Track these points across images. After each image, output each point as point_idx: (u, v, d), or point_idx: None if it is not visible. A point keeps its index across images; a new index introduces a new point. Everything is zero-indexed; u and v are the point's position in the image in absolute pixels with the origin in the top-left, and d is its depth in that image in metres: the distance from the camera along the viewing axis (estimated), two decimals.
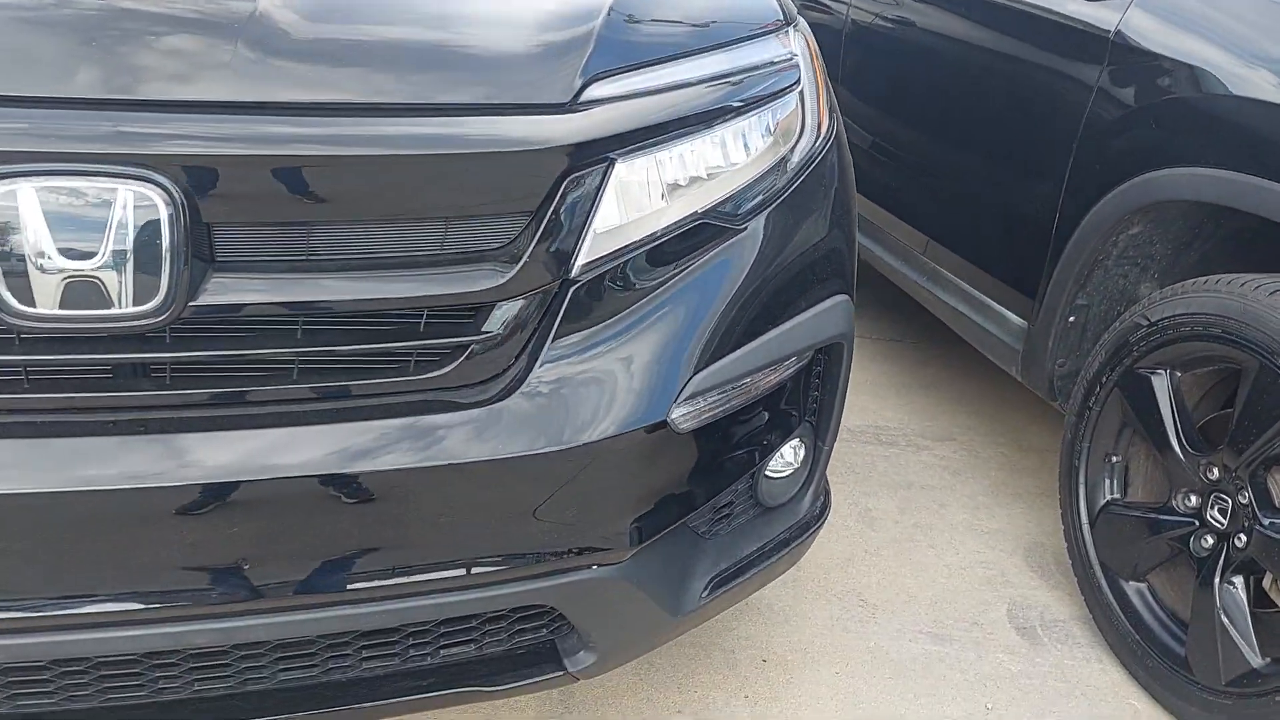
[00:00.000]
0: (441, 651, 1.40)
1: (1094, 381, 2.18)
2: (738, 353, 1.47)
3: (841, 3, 3.33)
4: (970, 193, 2.68)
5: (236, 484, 1.18)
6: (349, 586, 1.27)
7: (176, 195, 1.12)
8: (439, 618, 1.35)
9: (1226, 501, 1.92)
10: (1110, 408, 2.16)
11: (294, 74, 1.21)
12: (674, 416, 1.39)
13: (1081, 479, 2.24)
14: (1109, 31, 2.19)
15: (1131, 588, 2.15)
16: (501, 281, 1.28)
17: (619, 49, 1.39)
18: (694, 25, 1.53)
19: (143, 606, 1.20)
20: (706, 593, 1.57)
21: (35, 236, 1.09)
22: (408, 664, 1.39)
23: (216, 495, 1.18)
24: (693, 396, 1.41)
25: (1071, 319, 2.31)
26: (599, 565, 1.39)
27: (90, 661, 1.25)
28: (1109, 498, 2.20)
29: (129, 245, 1.12)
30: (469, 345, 1.30)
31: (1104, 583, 2.19)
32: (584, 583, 1.39)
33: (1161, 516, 2.06)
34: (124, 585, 1.20)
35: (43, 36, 1.14)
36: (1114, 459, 2.19)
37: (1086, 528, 2.23)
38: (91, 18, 1.18)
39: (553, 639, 1.47)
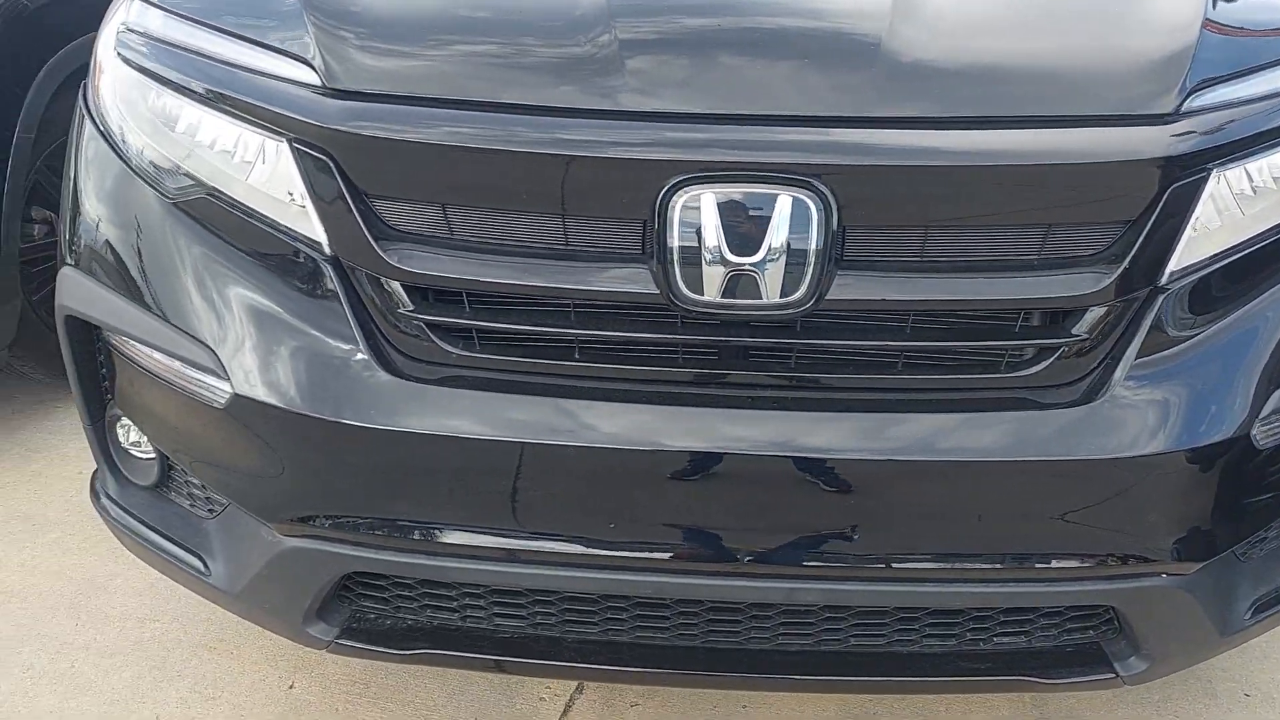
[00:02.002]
0: (995, 640, 1.46)
1: None
2: None
3: None
4: None
5: (852, 461, 1.31)
6: (929, 565, 1.36)
7: (827, 201, 1.26)
8: (1003, 606, 1.41)
9: None
10: None
11: (920, 90, 1.31)
12: (1255, 432, 1.36)
13: None
14: None
15: None
16: (1096, 287, 1.32)
17: (1214, 59, 1.39)
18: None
19: (756, 561, 1.36)
20: (1250, 615, 1.52)
21: (711, 235, 1.27)
22: (964, 646, 1.46)
23: (833, 469, 1.31)
24: (1273, 414, 1.38)
25: None
26: (1169, 574, 1.39)
27: (703, 605, 1.42)
28: None
29: (783, 245, 1.27)
30: (1059, 347, 1.35)
31: None
32: (1151, 590, 1.40)
33: None
34: (742, 542, 1.36)
35: (719, 62, 1.33)
36: None
37: None
38: (747, 45, 1.35)
39: (1097, 641, 1.48)
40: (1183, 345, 1.37)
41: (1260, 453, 1.38)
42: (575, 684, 2.00)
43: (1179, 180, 1.32)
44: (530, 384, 1.35)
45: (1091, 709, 1.96)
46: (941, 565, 1.37)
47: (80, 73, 2.72)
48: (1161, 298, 1.36)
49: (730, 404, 1.33)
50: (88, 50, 2.76)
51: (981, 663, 1.45)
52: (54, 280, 2.87)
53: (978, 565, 1.37)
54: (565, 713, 1.94)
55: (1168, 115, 1.33)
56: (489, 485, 1.35)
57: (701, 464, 1.31)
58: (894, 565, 1.36)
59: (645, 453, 1.31)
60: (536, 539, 1.37)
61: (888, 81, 1.31)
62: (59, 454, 2.70)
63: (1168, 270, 1.35)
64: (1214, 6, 1.45)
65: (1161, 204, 1.32)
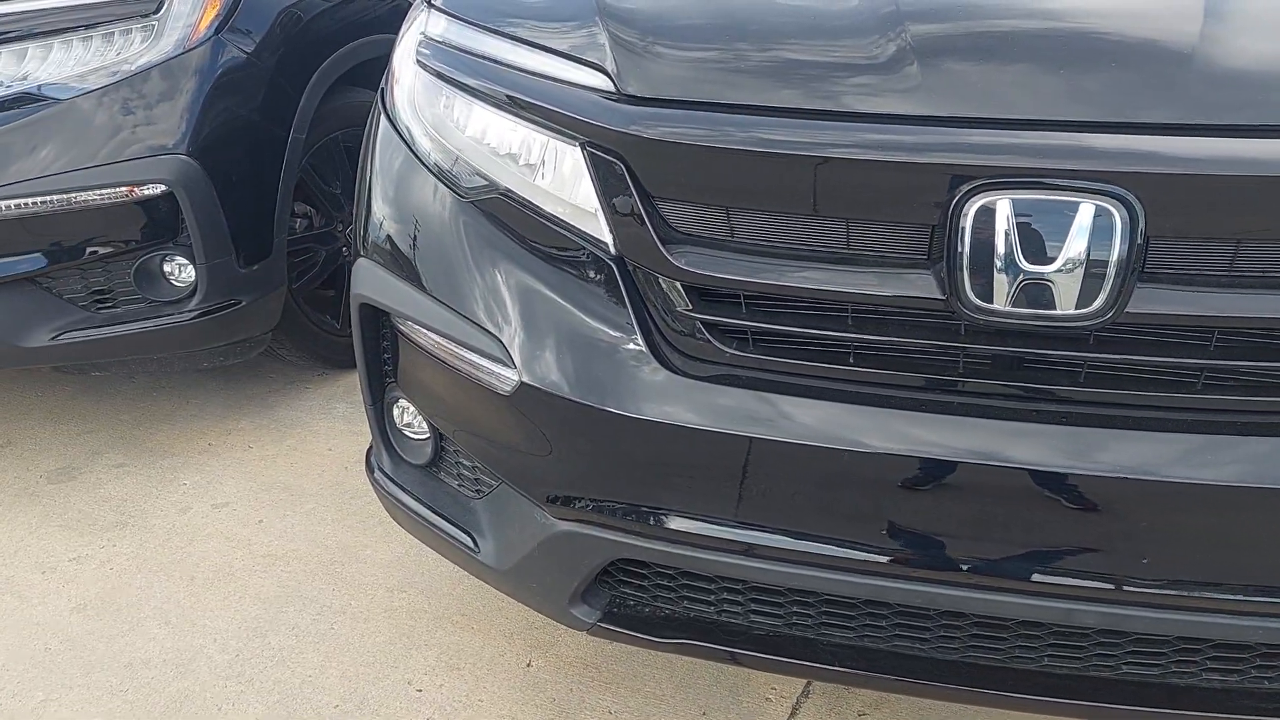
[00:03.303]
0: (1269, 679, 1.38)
1: None
2: None
3: None
4: None
5: (1145, 482, 1.26)
6: (1230, 596, 1.29)
7: (1132, 210, 1.21)
8: None
9: None
10: None
11: (1234, 96, 1.25)
12: None
13: None
14: None
15: None
16: None
17: None
18: None
19: (1041, 583, 1.32)
20: None
21: (1004, 242, 1.25)
22: (1246, 683, 1.38)
23: (1126, 490, 1.27)
24: None
25: None
26: None
27: (968, 618, 1.40)
28: None
29: (1082, 254, 1.23)
30: None
31: None
32: None
33: None
34: (1031, 562, 1.32)
35: (1017, 65, 1.31)
36: None
37: None
38: (1044, 48, 1.32)
39: None
40: None
41: None
42: (802, 687, 2.01)
43: None
44: (803, 386, 1.37)
45: None
46: (1233, 597, 1.29)
47: (347, 77, 2.95)
48: None
49: (1010, 416, 1.31)
50: (353, 55, 2.99)
51: (1267, 702, 1.37)
52: (311, 270, 3.12)
53: (1272, 599, 1.29)
54: (792, 715, 1.95)
55: None
56: (752, 483, 1.38)
57: (973, 476, 1.29)
58: (1180, 594, 1.30)
59: (915, 459, 1.30)
60: (794, 539, 1.38)
61: (1199, 86, 1.25)
62: (311, 430, 2.92)
63: None
64: None
65: None
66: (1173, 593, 1.30)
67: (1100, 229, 1.23)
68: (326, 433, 2.90)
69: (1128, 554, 1.29)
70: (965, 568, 1.33)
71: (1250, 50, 1.28)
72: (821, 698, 1.98)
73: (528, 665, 2.07)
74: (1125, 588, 1.30)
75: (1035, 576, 1.31)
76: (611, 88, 1.41)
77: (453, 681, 2.05)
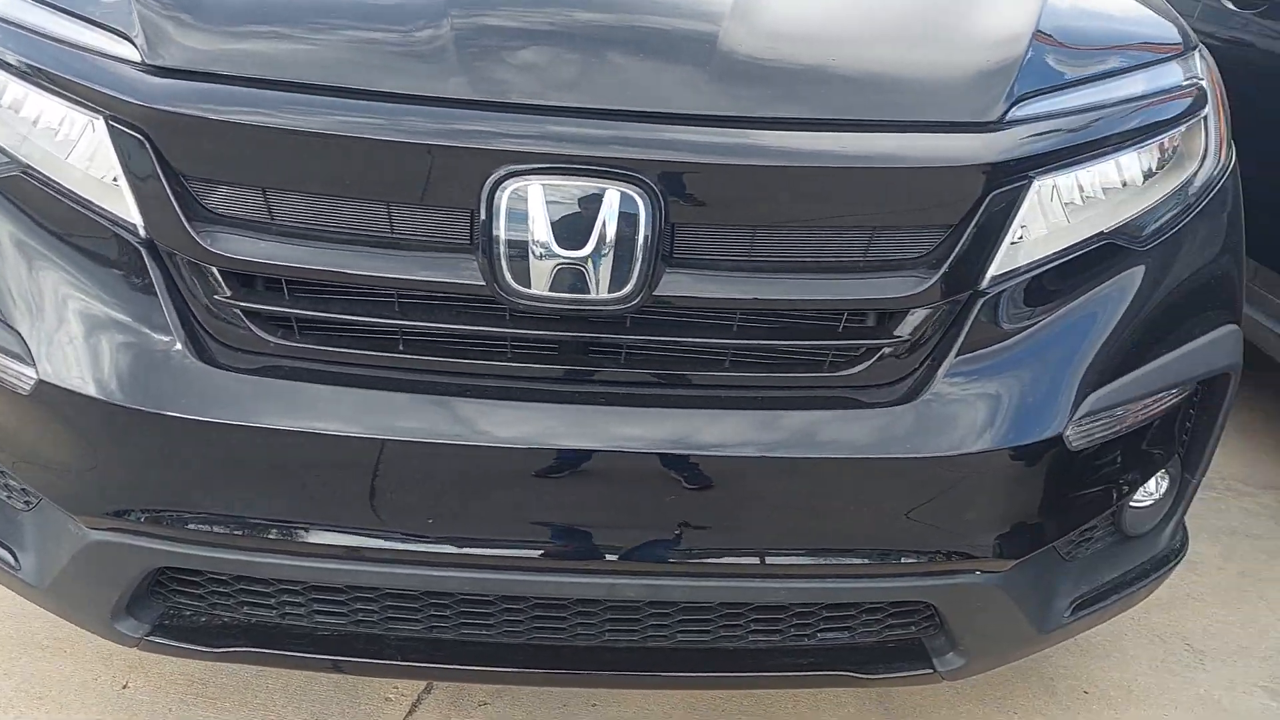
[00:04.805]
0: (819, 635, 1.48)
1: None
2: (1131, 375, 1.47)
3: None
4: None
5: (675, 456, 1.31)
6: (753, 560, 1.37)
7: (655, 197, 1.26)
8: (826, 602, 1.43)
9: None
10: None
11: (751, 91, 1.32)
12: (1068, 434, 1.41)
13: None
14: None
15: None
16: (919, 289, 1.35)
17: (1040, 72, 1.43)
18: (1106, 50, 1.55)
19: (583, 558, 1.35)
20: (1069, 613, 1.58)
21: (538, 228, 1.25)
22: (789, 642, 1.47)
23: (658, 465, 1.31)
24: (1086, 416, 1.43)
25: None
26: (982, 571, 1.43)
27: (528, 601, 1.41)
28: None
29: (611, 239, 1.26)
30: (881, 348, 1.37)
31: None
32: (967, 587, 1.43)
33: None
34: (570, 539, 1.35)
35: (551, 55, 1.32)
36: None
37: None
38: (579, 39, 1.35)
39: (919, 638, 1.52)
40: (1002, 349, 1.40)
41: (1073, 454, 1.43)
42: (424, 684, 1.97)
43: (1001, 188, 1.36)
44: (352, 375, 1.32)
45: (934, 705, 2.00)
46: (763, 561, 1.38)
47: None
48: (982, 301, 1.39)
49: (556, 399, 1.32)
50: None
51: (805, 658, 1.47)
52: None
53: (798, 561, 1.38)
54: (411, 712, 1.91)
55: (992, 124, 1.36)
56: (301, 479, 1.32)
57: (523, 459, 1.30)
58: (716, 561, 1.37)
59: (466, 447, 1.29)
60: (349, 534, 1.34)
61: (719, 81, 1.31)
62: None
63: (989, 275, 1.39)
64: (1046, 19, 1.50)
65: (983, 210, 1.35)
66: (707, 561, 1.36)
67: (627, 215, 1.26)
68: None
69: (664, 527, 1.34)
70: (492, 549, 1.33)
71: (767, 48, 1.36)
72: (443, 692, 1.95)
73: (124, 687, 1.91)
74: (663, 560, 1.35)
75: (569, 555, 1.34)
76: (137, 57, 1.30)
77: (34, 712, 1.85)
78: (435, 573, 1.35)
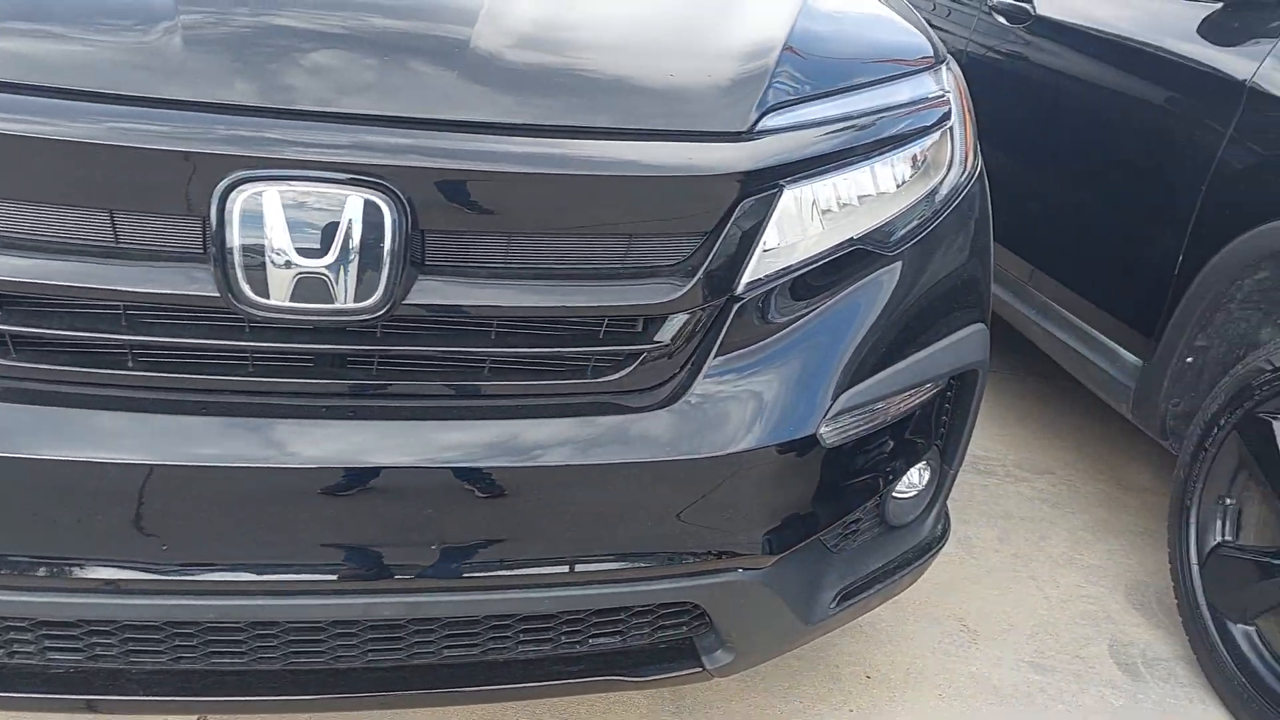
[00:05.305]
0: (590, 641, 1.49)
1: (1211, 423, 2.19)
2: (882, 374, 1.53)
3: (958, 36, 3.38)
4: (1088, 228, 2.71)
5: (433, 469, 1.28)
6: (520, 573, 1.36)
7: (400, 203, 1.22)
8: (594, 608, 1.43)
9: None
10: (1227, 450, 2.17)
11: (507, 97, 1.31)
12: (823, 431, 1.46)
13: (1193, 520, 2.25)
14: (1244, 80, 2.22)
15: (1239, 630, 2.16)
16: (675, 295, 1.37)
17: (791, 83, 1.47)
18: (857, 62, 1.61)
19: (336, 578, 1.31)
20: (835, 604, 1.63)
21: (275, 235, 1.20)
22: (560, 650, 1.47)
23: (417, 480, 1.28)
24: (839, 414, 1.48)
25: (1190, 359, 2.33)
26: (745, 569, 1.46)
27: (280, 625, 1.35)
28: (1220, 540, 2.21)
29: (355, 247, 1.22)
30: (641, 353, 1.39)
31: (1211, 624, 2.20)
32: (730, 584, 1.46)
33: (1274, 561, 2.07)
34: (322, 558, 1.30)
35: (289, 56, 1.26)
36: (1228, 501, 2.20)
37: (1195, 568, 2.24)
38: (328, 42, 1.30)
39: (691, 637, 1.54)
40: (758, 352, 1.44)
41: (829, 451, 1.48)
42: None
43: (752, 196, 1.39)
44: (75, 395, 1.24)
45: (724, 699, 2.05)
46: (527, 572, 1.37)
47: None
48: (738, 307, 1.42)
49: (302, 415, 1.27)
50: None
51: (575, 665, 1.47)
52: None
53: (562, 570, 1.38)
54: None
55: (742, 134, 1.39)
56: (15, 509, 1.23)
57: (263, 480, 1.24)
58: (478, 575, 1.35)
59: (199, 468, 1.23)
60: (82, 565, 1.25)
61: (468, 85, 1.29)
62: None
63: (743, 281, 1.42)
64: (798, 31, 1.54)
65: (735, 218, 1.38)
66: (467, 576, 1.34)
67: (371, 223, 1.22)
68: None
69: (424, 542, 1.31)
70: (225, 573, 1.28)
71: (519, 55, 1.35)
72: None
73: None
74: (422, 577, 1.33)
75: (318, 576, 1.29)
76: None
77: None
78: (172, 602, 1.28)
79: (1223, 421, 2.16)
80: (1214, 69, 2.30)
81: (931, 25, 3.72)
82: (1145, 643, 2.36)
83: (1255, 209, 2.15)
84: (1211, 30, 2.34)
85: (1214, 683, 2.20)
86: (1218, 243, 2.21)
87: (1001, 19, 3.16)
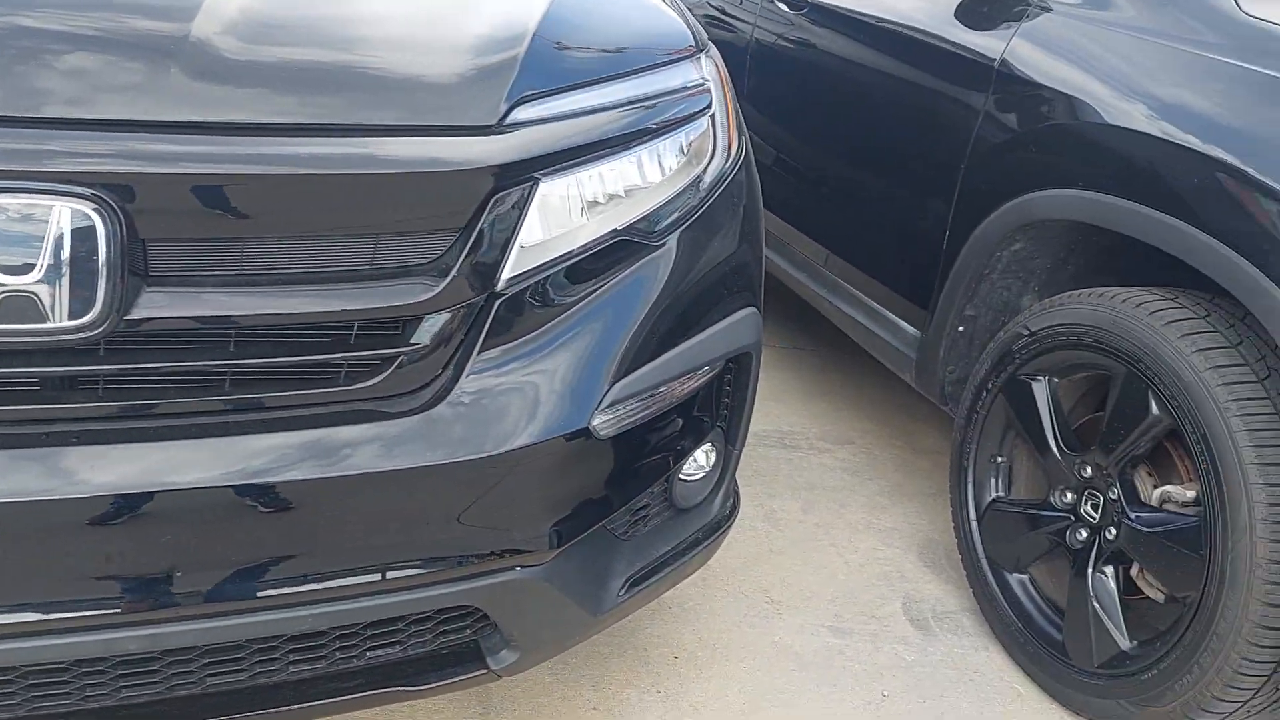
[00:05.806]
0: (368, 654, 1.44)
1: (980, 387, 2.33)
2: (655, 362, 1.55)
3: (745, 23, 3.45)
4: (866, 209, 2.83)
5: (171, 493, 1.21)
6: (281, 591, 1.30)
7: (113, 212, 1.14)
8: (367, 620, 1.39)
9: (1098, 497, 2.09)
10: (995, 412, 2.31)
11: (228, 95, 1.24)
12: (595, 424, 1.46)
13: (970, 479, 2.39)
14: (994, 60, 2.35)
15: (1015, 579, 2.31)
16: (429, 295, 1.33)
17: (543, 73, 1.46)
18: (613, 52, 1.61)
19: (71, 614, 1.22)
20: (624, 591, 1.64)
21: None
22: (335, 667, 1.42)
23: (148, 505, 1.20)
24: (613, 404, 1.48)
25: (961, 329, 2.46)
26: (522, 567, 1.45)
27: (16, 670, 1.25)
28: (994, 496, 2.36)
29: (66, 260, 1.13)
30: (398, 356, 1.35)
31: (990, 575, 2.34)
32: (508, 584, 1.44)
33: (1041, 512, 2.22)
34: (54, 593, 1.21)
35: None
36: (999, 459, 2.35)
37: (974, 524, 2.38)
38: (30, 39, 1.19)
39: (476, 639, 1.52)
40: (524, 348, 1.43)
41: (603, 443, 1.48)
42: None
43: (504, 190, 1.37)
44: None
45: (530, 695, 2.04)
46: (288, 590, 1.31)
47: None
48: (500, 303, 1.40)
49: (29, 442, 1.18)
50: None
51: (353, 680, 1.43)
52: None
53: (328, 586, 1.33)
54: None
55: (491, 127, 1.37)
56: None
57: None
58: (230, 601, 1.28)
59: None
60: None
61: (185, 83, 1.21)
62: None
63: (503, 277, 1.40)
64: (550, 22, 1.53)
65: (488, 213, 1.36)
66: (222, 602, 1.28)
67: (81, 234, 1.14)
68: None
69: (166, 570, 1.24)
70: None
71: (246, 50, 1.28)
72: None
73: None
74: (173, 605, 1.25)
75: (54, 610, 1.20)
76: None
77: None
78: None
79: (990, 385, 2.30)
80: (969, 50, 2.43)
81: (723, 14, 3.81)
82: (935, 598, 2.49)
83: (1009, 184, 2.28)
84: (965, 14, 2.47)
85: (995, 630, 2.35)
86: (978, 217, 2.35)
87: (783, 6, 3.25)
